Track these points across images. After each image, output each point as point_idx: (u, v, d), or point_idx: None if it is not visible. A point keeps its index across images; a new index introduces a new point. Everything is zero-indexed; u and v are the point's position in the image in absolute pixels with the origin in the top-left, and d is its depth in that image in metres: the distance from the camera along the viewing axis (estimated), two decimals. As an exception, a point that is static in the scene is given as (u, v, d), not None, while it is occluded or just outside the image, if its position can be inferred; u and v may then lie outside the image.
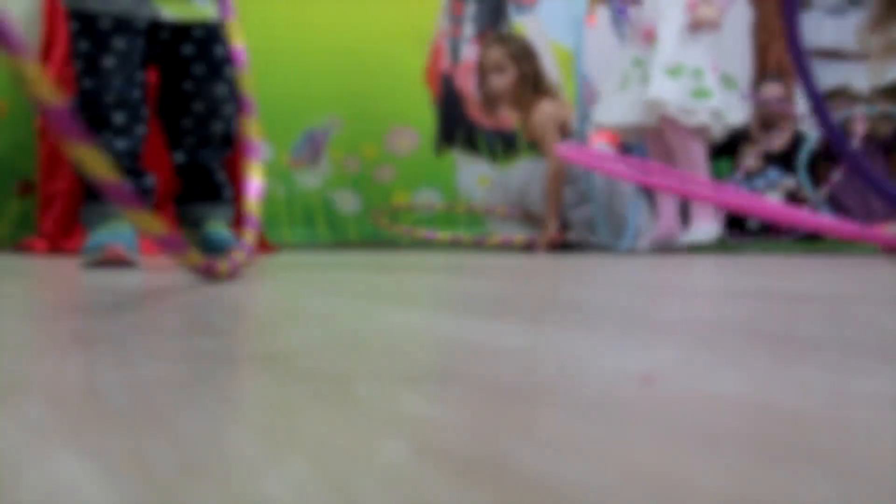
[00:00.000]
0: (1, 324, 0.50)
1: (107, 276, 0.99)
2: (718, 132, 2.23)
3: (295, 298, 0.70)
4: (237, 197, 2.43)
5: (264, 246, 2.44)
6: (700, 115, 2.19)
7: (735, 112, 2.27)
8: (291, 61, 2.75)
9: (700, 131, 2.22)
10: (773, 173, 3.18)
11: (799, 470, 0.17)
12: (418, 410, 0.24)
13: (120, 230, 1.29)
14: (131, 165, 1.38)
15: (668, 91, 2.18)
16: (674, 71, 2.21)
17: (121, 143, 1.35)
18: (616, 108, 2.30)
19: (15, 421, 0.22)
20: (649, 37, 2.26)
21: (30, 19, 2.21)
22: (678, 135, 2.21)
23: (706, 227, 2.25)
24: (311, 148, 2.86)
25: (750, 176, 3.25)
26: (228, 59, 1.49)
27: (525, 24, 3.30)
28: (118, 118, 1.34)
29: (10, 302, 0.66)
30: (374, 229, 2.86)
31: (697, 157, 2.23)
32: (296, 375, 0.30)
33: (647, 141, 2.37)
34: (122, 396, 0.26)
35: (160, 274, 1.11)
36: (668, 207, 2.33)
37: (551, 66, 3.32)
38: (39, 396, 0.26)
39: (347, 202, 2.89)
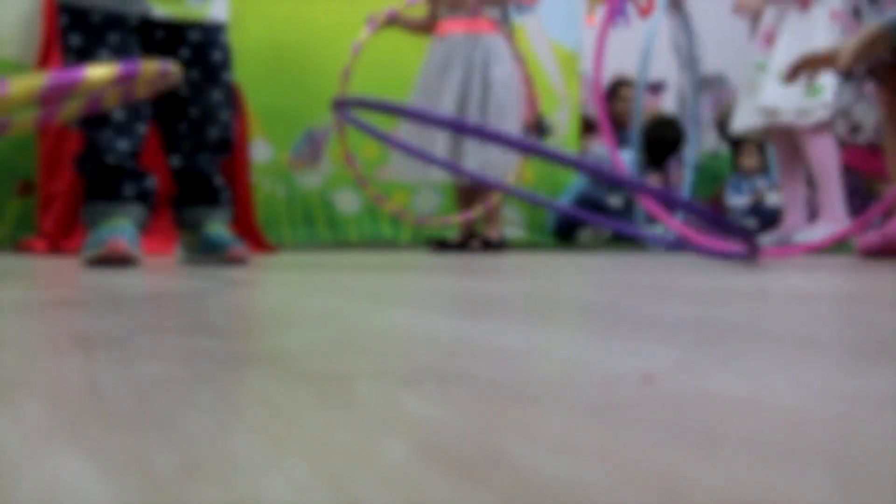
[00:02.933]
0: (1, 324, 0.50)
1: (107, 276, 0.99)
2: (842, 126, 2.15)
3: (295, 298, 0.70)
4: (235, 200, 2.42)
5: (263, 246, 2.44)
6: (817, 112, 2.16)
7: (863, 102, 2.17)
8: (291, 61, 2.75)
9: (821, 128, 2.20)
10: (775, 174, 3.18)
11: (799, 470, 0.17)
12: (418, 410, 0.24)
13: (122, 228, 1.28)
14: (132, 167, 1.37)
15: (779, 97, 2.16)
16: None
17: (122, 143, 1.34)
18: (746, 115, 2.30)
19: (15, 421, 0.22)
20: (770, 40, 2.25)
21: (30, 19, 2.21)
22: (803, 137, 2.20)
23: (826, 226, 2.22)
24: (311, 148, 2.86)
25: (751, 176, 3.25)
26: (225, 64, 1.46)
27: (525, 24, 3.31)
28: (118, 115, 1.33)
29: (10, 302, 0.66)
30: (374, 229, 2.86)
31: (824, 156, 2.20)
32: (296, 375, 0.30)
33: (776, 143, 2.37)
34: (122, 396, 0.26)
35: (160, 273, 1.11)
36: (795, 205, 2.33)
37: (551, 66, 3.32)
38: (39, 396, 0.26)
39: (347, 202, 2.89)
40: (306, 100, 2.82)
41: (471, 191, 2.38)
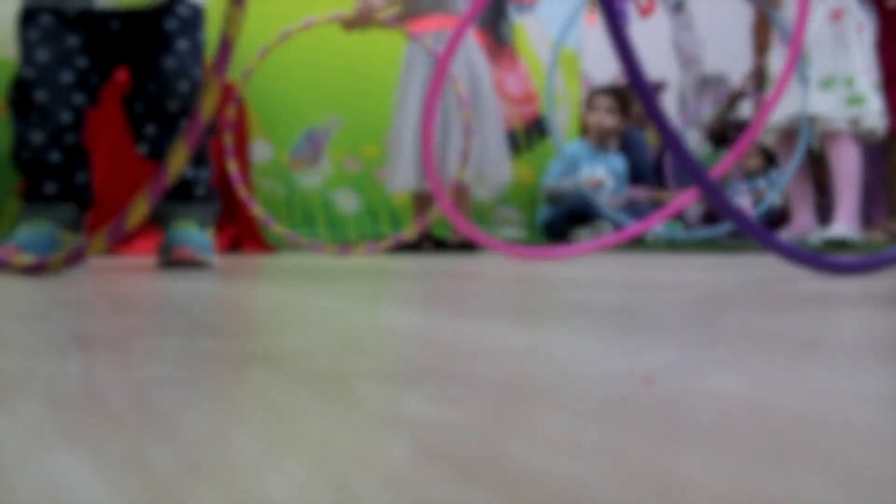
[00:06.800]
0: (1, 324, 0.50)
1: (107, 277, 0.99)
2: (880, 134, 2.29)
3: (295, 298, 0.70)
4: (235, 200, 2.37)
5: (263, 246, 2.44)
6: (867, 120, 2.23)
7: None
8: (291, 61, 2.75)
9: (859, 138, 2.28)
10: (776, 174, 3.18)
11: (799, 470, 0.17)
12: (418, 410, 0.24)
13: (35, 232, 1.23)
14: (55, 160, 1.25)
15: (825, 105, 2.23)
16: (826, 83, 2.26)
17: (37, 135, 1.23)
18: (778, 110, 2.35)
19: (15, 421, 0.22)
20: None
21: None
22: (838, 145, 2.27)
23: (844, 225, 2.29)
24: (311, 148, 2.86)
25: (751, 176, 3.25)
26: (182, 32, 1.31)
27: (525, 24, 3.31)
28: (40, 96, 1.23)
29: (11, 302, 0.66)
30: (374, 229, 2.86)
31: (850, 159, 2.28)
32: (296, 375, 0.30)
33: (778, 142, 2.42)
34: (122, 396, 0.26)
35: (158, 274, 1.11)
36: (804, 205, 2.40)
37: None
38: (39, 396, 0.26)
39: (347, 202, 2.89)
40: (306, 100, 2.82)
41: (427, 197, 2.35)
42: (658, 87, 3.59)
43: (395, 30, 2.17)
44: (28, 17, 1.28)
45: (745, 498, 0.16)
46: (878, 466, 0.18)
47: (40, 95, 1.24)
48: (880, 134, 2.30)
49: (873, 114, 2.26)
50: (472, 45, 2.33)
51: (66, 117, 1.26)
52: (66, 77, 1.26)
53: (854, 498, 0.16)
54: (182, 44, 1.31)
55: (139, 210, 0.91)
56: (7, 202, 2.26)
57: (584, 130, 3.14)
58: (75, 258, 0.96)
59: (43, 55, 1.25)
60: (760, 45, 3.53)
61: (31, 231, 1.23)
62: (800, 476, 0.17)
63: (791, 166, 2.30)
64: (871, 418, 0.23)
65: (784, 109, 2.35)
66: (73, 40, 1.28)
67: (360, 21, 2.16)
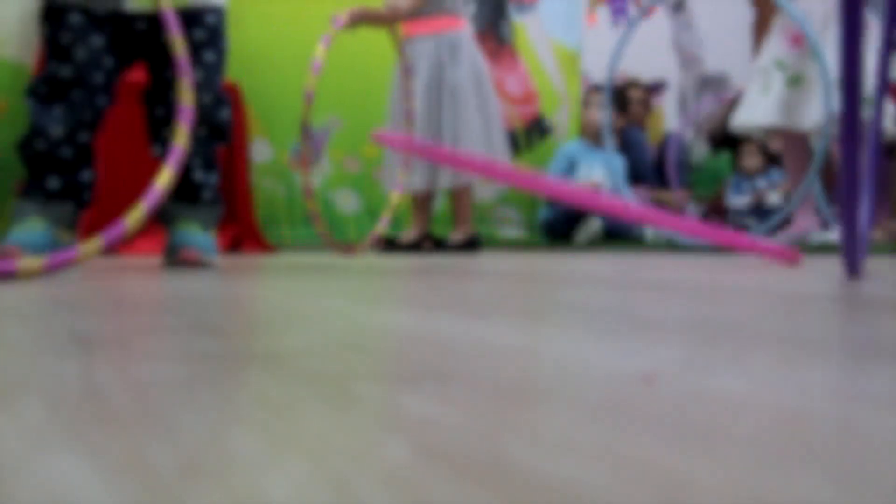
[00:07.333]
0: (1, 324, 0.50)
1: (107, 277, 0.99)
2: (891, 136, 2.29)
3: (295, 298, 0.70)
4: (235, 200, 2.37)
5: (263, 246, 2.44)
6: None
7: None
8: (291, 61, 2.75)
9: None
10: (776, 174, 3.18)
11: (799, 470, 0.17)
12: (418, 410, 0.24)
13: (33, 230, 1.23)
14: (65, 155, 1.26)
15: (837, 105, 2.25)
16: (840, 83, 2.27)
17: (56, 127, 1.25)
18: (759, 111, 2.34)
19: (15, 421, 0.22)
20: (797, 41, 2.32)
21: (29, 19, 2.21)
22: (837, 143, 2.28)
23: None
24: (312, 148, 2.86)
25: (752, 176, 3.25)
26: (209, 43, 1.35)
27: (525, 24, 3.31)
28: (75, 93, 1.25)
29: (11, 302, 0.66)
30: (374, 230, 2.87)
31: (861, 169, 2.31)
32: (296, 375, 0.30)
33: (787, 144, 2.41)
34: (122, 396, 0.26)
35: (159, 274, 1.11)
36: (806, 206, 2.41)
37: (552, 66, 3.32)
38: (39, 397, 0.26)
39: (347, 202, 2.89)
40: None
41: (425, 198, 2.36)
42: (658, 87, 3.59)
43: (384, 30, 2.17)
44: (54, 14, 1.29)
45: (745, 498, 0.16)
46: (878, 466, 0.18)
47: (76, 95, 1.26)
48: (891, 136, 2.28)
49: (888, 116, 2.25)
50: (473, 45, 2.33)
51: (87, 116, 1.28)
52: (98, 78, 1.29)
53: (854, 498, 0.16)
54: (209, 56, 1.35)
55: (90, 247, 0.95)
56: (7, 202, 2.26)
57: (582, 129, 3.14)
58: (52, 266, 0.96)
59: (80, 55, 1.27)
60: (760, 45, 3.54)
61: (29, 231, 1.23)
62: (800, 476, 0.17)
63: (811, 170, 2.27)
64: (871, 418, 0.23)
65: (769, 111, 2.32)
66: (99, 40, 1.29)
67: (385, 22, 2.16)
